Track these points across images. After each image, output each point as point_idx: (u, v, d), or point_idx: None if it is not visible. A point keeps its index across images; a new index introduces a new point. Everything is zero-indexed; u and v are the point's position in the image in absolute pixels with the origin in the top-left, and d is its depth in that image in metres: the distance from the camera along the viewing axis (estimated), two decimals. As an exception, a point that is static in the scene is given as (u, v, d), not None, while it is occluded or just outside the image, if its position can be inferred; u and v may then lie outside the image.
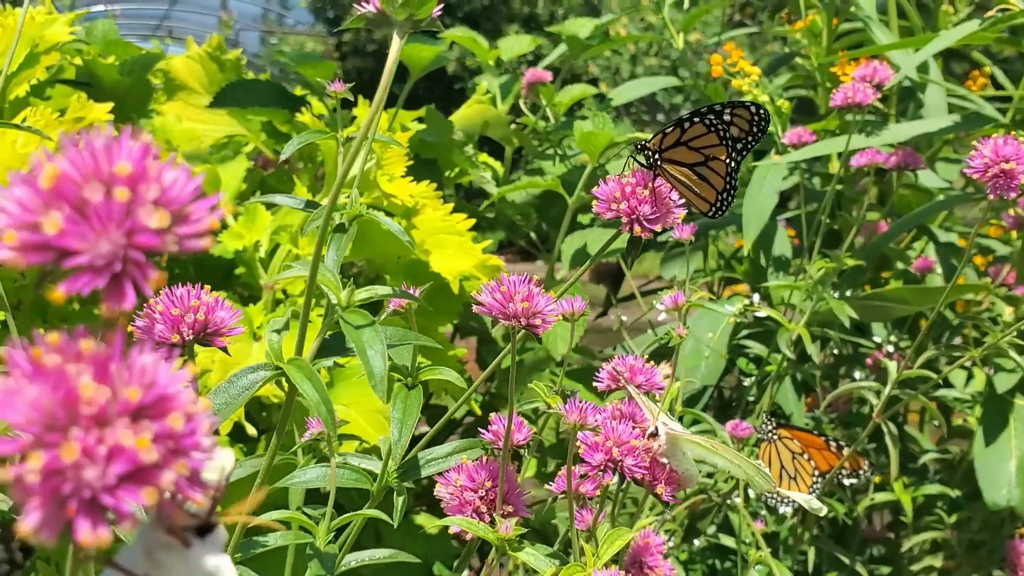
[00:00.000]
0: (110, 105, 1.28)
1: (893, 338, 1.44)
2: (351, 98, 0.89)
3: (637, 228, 0.73)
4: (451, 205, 1.36)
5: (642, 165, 0.75)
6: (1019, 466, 1.17)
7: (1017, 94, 1.48)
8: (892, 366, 1.02)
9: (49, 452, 0.26)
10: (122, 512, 0.26)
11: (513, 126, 1.85)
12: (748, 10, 5.37)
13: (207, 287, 0.56)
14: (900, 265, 1.47)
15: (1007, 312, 1.22)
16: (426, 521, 1.47)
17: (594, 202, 0.74)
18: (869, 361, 1.48)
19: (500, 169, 1.86)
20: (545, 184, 1.57)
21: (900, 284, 1.42)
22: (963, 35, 1.15)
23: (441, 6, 0.49)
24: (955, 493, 1.36)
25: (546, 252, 2.06)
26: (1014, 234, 1.43)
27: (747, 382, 1.50)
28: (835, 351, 1.57)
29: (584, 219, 1.91)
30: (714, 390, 1.56)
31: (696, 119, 0.73)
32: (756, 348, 1.39)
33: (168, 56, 1.68)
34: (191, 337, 0.55)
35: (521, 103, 1.91)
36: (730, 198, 0.75)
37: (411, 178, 1.32)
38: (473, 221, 1.35)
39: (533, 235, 2.06)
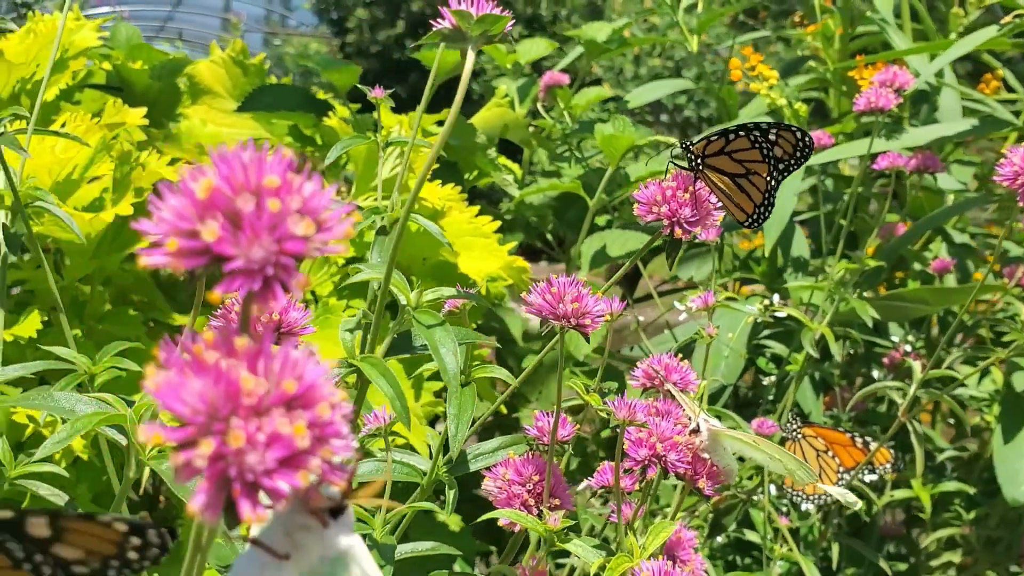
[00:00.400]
0: (144, 110, 1.31)
1: (911, 338, 1.46)
2: (392, 104, 0.92)
3: (678, 231, 0.76)
4: (477, 208, 1.39)
5: (683, 168, 0.78)
6: (1037, 463, 1.19)
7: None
8: (917, 366, 1.05)
9: (217, 439, 0.28)
10: (280, 493, 0.29)
11: (531, 129, 1.88)
12: (763, 14, 5.40)
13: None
14: (917, 266, 1.49)
15: (1025, 312, 1.24)
16: (451, 519, 1.50)
17: (635, 206, 0.77)
18: (886, 360, 1.51)
19: (518, 172, 1.89)
20: (566, 186, 1.60)
21: (918, 285, 1.45)
22: (982, 41, 1.18)
23: (512, 22, 0.51)
24: (972, 490, 1.38)
25: (563, 254, 2.09)
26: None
27: (766, 381, 1.52)
28: (851, 351, 1.59)
29: (600, 221, 1.93)
30: (731, 389, 1.58)
31: (742, 133, 0.76)
32: (776, 348, 1.41)
33: (194, 61, 1.71)
34: (264, 334, 0.57)
35: (539, 106, 1.93)
36: (767, 213, 0.77)
37: (439, 181, 1.35)
38: (499, 223, 1.37)
39: (549, 237, 2.08)
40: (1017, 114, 1.45)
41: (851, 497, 0.78)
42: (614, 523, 0.88)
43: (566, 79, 1.88)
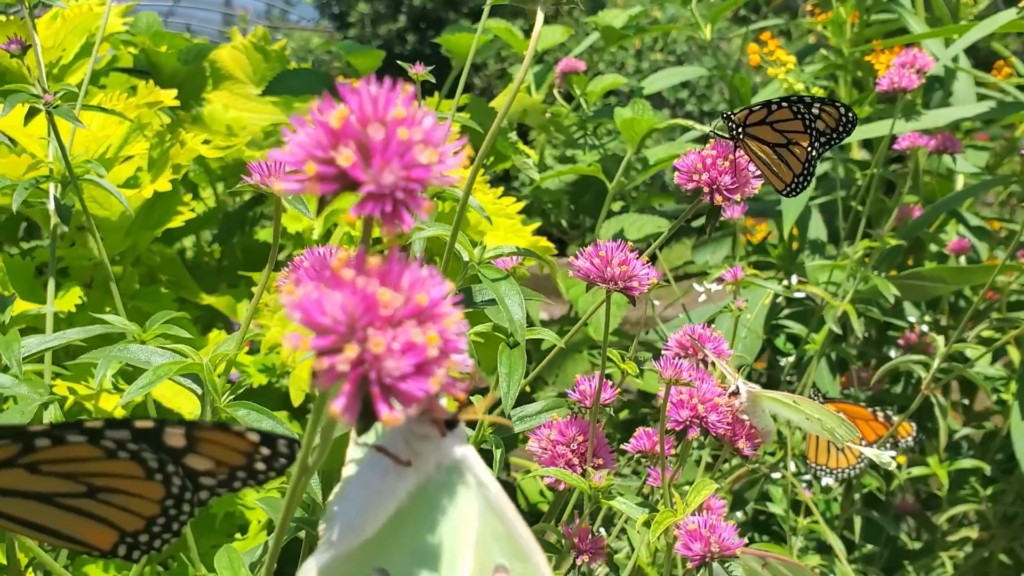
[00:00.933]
0: (175, 91, 1.33)
1: (928, 318, 1.48)
2: (432, 80, 0.94)
3: (718, 197, 0.78)
4: (500, 189, 1.41)
5: (723, 137, 0.80)
6: (1055, 438, 1.21)
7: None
8: (940, 340, 1.07)
9: (360, 346, 0.30)
10: (413, 397, 0.31)
11: (548, 115, 1.90)
12: (766, 8, 5.40)
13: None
14: (933, 247, 1.51)
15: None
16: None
17: (675, 174, 0.79)
18: (902, 341, 1.53)
19: (535, 157, 1.91)
20: (586, 169, 1.62)
21: (934, 265, 1.47)
22: (1002, 23, 1.20)
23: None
24: (988, 468, 1.40)
25: (578, 238, 2.11)
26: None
27: (783, 362, 1.55)
28: (866, 333, 1.62)
29: (615, 207, 1.96)
30: (746, 372, 1.60)
31: (784, 104, 0.78)
32: (795, 328, 1.43)
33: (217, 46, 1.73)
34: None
35: (555, 92, 1.95)
36: (806, 182, 0.79)
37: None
38: (522, 204, 1.39)
39: (564, 222, 2.11)
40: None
41: (886, 456, 0.80)
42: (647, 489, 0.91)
43: (583, 66, 1.90)
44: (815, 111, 0.78)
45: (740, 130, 0.80)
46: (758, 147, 0.80)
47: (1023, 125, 1.59)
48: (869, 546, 1.44)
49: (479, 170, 0.59)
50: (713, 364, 0.85)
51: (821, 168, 1.60)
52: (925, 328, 1.44)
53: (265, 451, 0.37)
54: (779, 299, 1.49)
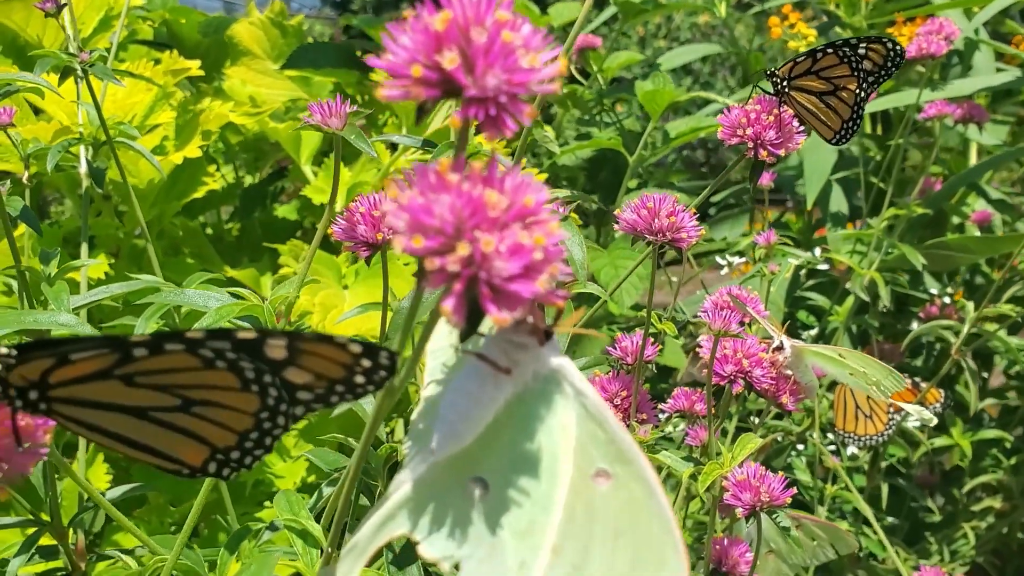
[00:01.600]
0: (199, 62, 1.32)
1: (950, 290, 1.48)
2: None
3: (763, 152, 0.78)
4: (524, 160, 1.41)
5: (767, 93, 0.80)
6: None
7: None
8: (970, 306, 1.07)
9: (472, 246, 0.30)
10: (520, 298, 0.31)
11: (566, 88, 1.89)
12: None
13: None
14: (955, 220, 1.51)
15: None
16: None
17: (719, 129, 0.79)
18: (922, 314, 1.53)
19: (552, 132, 1.90)
20: (607, 143, 1.62)
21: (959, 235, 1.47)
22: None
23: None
24: (1011, 438, 1.40)
25: (592, 217, 2.11)
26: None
27: (804, 335, 1.55)
28: (885, 307, 1.62)
29: (631, 184, 1.95)
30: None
31: (830, 50, 0.78)
32: (818, 300, 1.43)
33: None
34: (391, 237, 0.59)
35: (572, 68, 1.95)
36: (855, 127, 0.79)
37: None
38: (545, 176, 1.39)
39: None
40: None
41: (927, 414, 0.81)
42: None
43: (599, 41, 1.89)
44: (861, 51, 0.78)
45: (785, 83, 0.80)
46: (804, 98, 0.79)
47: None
48: (889, 519, 1.44)
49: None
50: (750, 325, 0.85)
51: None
52: (947, 300, 1.44)
53: (366, 363, 0.37)
54: (801, 272, 1.49)
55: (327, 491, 0.64)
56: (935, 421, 0.80)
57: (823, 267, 1.45)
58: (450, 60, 0.32)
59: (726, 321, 0.71)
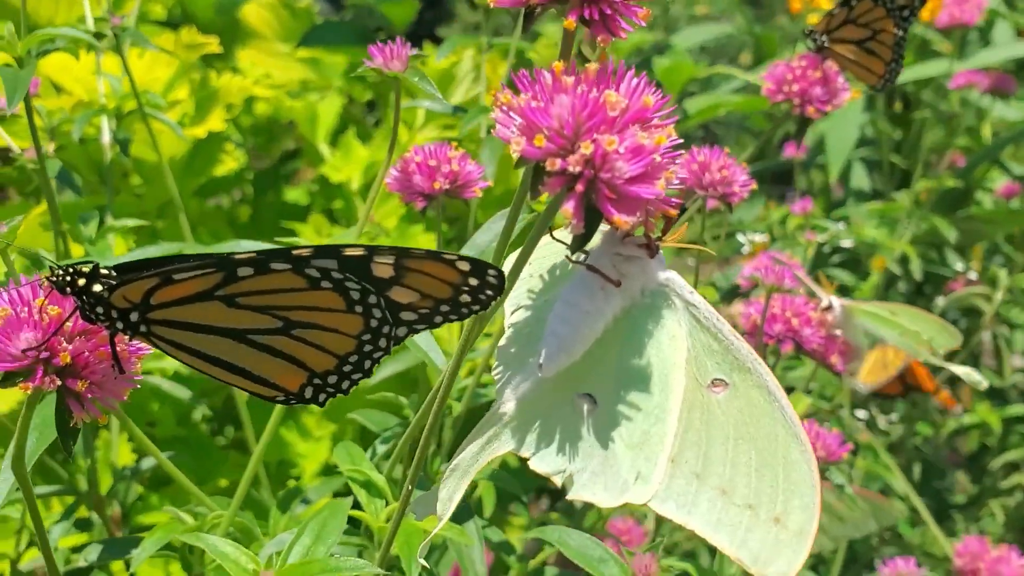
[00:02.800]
0: (217, 38, 1.31)
1: (974, 265, 1.47)
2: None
3: (810, 109, 0.77)
4: (543, 137, 1.40)
5: (809, 49, 0.79)
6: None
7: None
8: (1003, 273, 1.06)
9: (595, 144, 0.29)
10: (641, 200, 0.30)
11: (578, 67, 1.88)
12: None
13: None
14: (980, 196, 1.50)
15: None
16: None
17: (763, 87, 0.78)
18: (946, 290, 1.52)
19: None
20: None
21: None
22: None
23: None
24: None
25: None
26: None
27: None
28: (916, 279, 1.60)
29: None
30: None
31: None
32: (843, 277, 1.42)
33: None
34: (447, 187, 0.58)
35: (583, 49, 1.94)
36: (898, 68, 0.78)
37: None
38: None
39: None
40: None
41: (976, 376, 0.79)
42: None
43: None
44: None
45: (824, 38, 0.79)
46: (845, 48, 0.79)
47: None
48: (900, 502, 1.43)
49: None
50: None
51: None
52: (974, 275, 1.43)
53: (473, 282, 0.36)
54: (824, 247, 1.47)
55: (381, 448, 0.63)
56: (985, 384, 0.79)
57: (847, 244, 1.44)
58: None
59: (779, 276, 0.70)
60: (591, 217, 0.30)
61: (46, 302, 0.36)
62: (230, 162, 1.30)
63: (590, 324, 0.34)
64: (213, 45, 1.29)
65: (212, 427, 1.32)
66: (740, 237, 1.48)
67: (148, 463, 0.80)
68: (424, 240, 1.30)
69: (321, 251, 0.36)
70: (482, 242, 0.54)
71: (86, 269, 0.36)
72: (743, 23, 2.07)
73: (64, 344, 0.36)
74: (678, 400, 0.33)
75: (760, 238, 1.42)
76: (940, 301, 1.50)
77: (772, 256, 0.85)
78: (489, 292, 0.36)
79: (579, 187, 0.29)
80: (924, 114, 1.32)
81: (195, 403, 1.01)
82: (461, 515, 0.57)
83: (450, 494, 0.36)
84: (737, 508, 0.33)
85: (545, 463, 0.35)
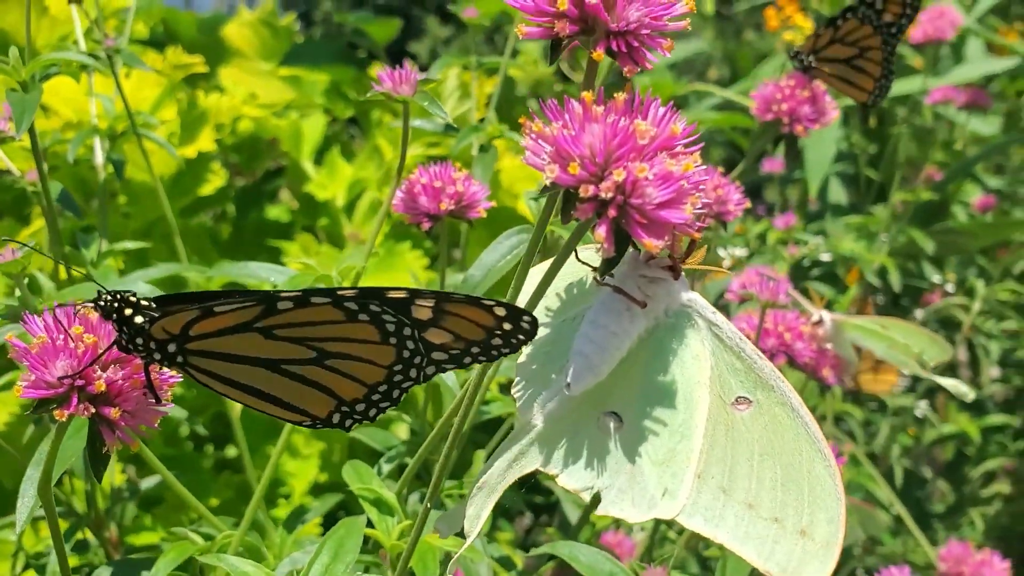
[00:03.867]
0: (202, 58, 1.32)
1: (952, 276, 1.50)
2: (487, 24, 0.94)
3: (799, 128, 0.78)
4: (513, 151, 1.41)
5: (796, 69, 0.81)
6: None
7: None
8: (980, 284, 1.08)
9: (627, 172, 0.30)
10: (670, 225, 0.31)
11: (559, 87, 1.90)
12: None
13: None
14: (956, 209, 1.53)
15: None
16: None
17: (752, 105, 0.80)
18: (924, 300, 1.54)
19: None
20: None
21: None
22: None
23: None
24: (1017, 422, 1.41)
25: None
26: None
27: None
28: (882, 299, 1.63)
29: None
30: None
31: (848, 15, 0.79)
32: (823, 290, 1.44)
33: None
34: (452, 207, 0.59)
35: (562, 65, 1.96)
36: (888, 84, 0.80)
37: (491, 128, 1.37)
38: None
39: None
40: None
41: (963, 388, 0.81)
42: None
43: (591, 40, 1.90)
44: (879, 6, 0.79)
45: (811, 58, 0.81)
46: (832, 68, 0.80)
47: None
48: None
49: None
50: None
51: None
52: (950, 287, 1.45)
53: (507, 326, 0.37)
54: (804, 261, 1.50)
55: (386, 467, 0.64)
56: (972, 396, 0.81)
57: (825, 257, 1.46)
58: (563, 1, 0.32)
59: (773, 292, 0.71)
60: (620, 241, 0.31)
61: (83, 331, 0.37)
62: (216, 181, 1.31)
63: (616, 344, 0.35)
64: (200, 65, 1.30)
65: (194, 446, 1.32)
66: (720, 251, 1.50)
67: (148, 483, 0.80)
68: (411, 257, 1.31)
69: (365, 293, 0.37)
70: (489, 261, 0.56)
71: (132, 299, 0.37)
72: (714, 40, 2.10)
73: (99, 372, 0.37)
74: (703, 417, 0.35)
75: (740, 252, 1.44)
76: (919, 313, 1.53)
77: (759, 271, 0.87)
78: (521, 337, 0.37)
79: (612, 212, 0.30)
80: (900, 129, 1.34)
81: (188, 422, 1.01)
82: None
83: (478, 511, 0.37)
84: (764, 521, 0.34)
85: (573, 479, 0.36)
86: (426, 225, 0.60)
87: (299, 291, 0.38)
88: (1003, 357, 1.11)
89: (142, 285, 0.59)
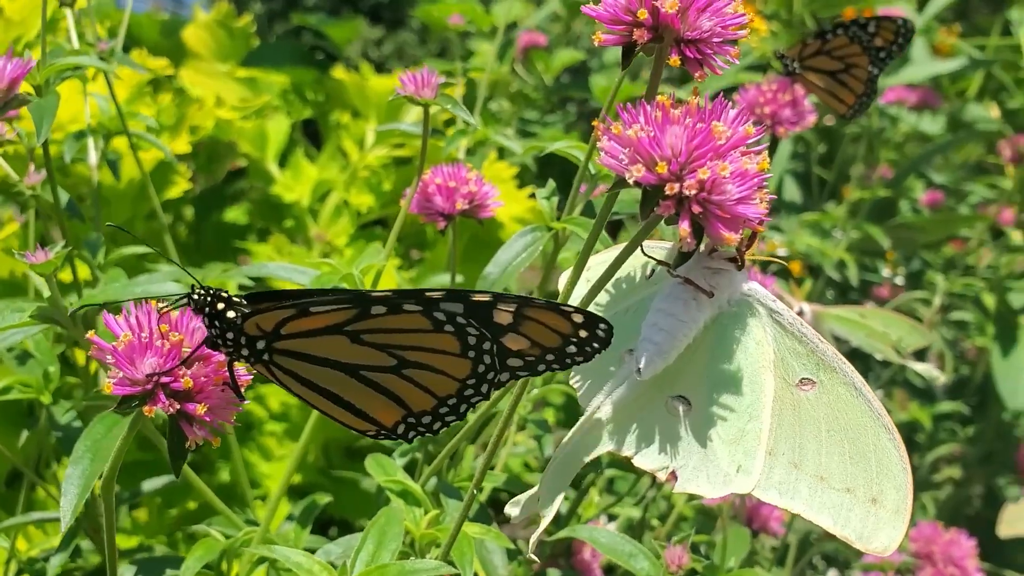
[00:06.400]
0: (166, 60, 1.31)
1: (901, 270, 1.55)
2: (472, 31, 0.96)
3: (780, 129, 0.81)
4: (494, 154, 1.43)
5: (780, 72, 0.84)
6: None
7: (992, 43, 1.61)
8: (940, 278, 1.12)
9: (710, 170, 0.33)
10: (747, 219, 0.33)
11: (516, 87, 1.92)
12: None
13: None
14: (903, 205, 1.58)
15: (1017, 236, 1.34)
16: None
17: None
18: (874, 293, 1.59)
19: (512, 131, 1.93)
20: (564, 149, 1.64)
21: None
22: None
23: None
24: (966, 409, 1.47)
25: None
26: (1010, 169, 1.55)
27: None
28: (832, 293, 1.68)
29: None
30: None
31: (839, 31, 0.82)
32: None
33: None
34: (466, 207, 0.61)
35: (516, 67, 1.98)
36: (868, 101, 0.83)
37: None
38: (516, 169, 1.41)
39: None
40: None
41: (935, 372, 0.85)
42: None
43: (544, 39, 1.92)
44: (871, 30, 0.82)
45: (796, 64, 0.84)
46: (816, 77, 0.83)
47: (973, 86, 1.67)
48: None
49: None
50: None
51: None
52: (900, 280, 1.51)
53: (583, 334, 0.38)
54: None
55: (400, 461, 0.65)
56: (943, 379, 0.84)
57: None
58: (670, 4, 0.34)
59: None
60: (698, 235, 0.33)
61: (168, 328, 0.38)
62: (182, 184, 1.30)
63: (684, 332, 0.38)
64: (167, 67, 1.30)
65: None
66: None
67: (149, 486, 0.81)
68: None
69: (451, 295, 0.38)
70: (505, 259, 0.58)
71: (224, 295, 0.38)
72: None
73: (183, 369, 0.38)
74: (769, 399, 0.38)
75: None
76: (870, 307, 1.58)
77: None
78: (596, 345, 0.38)
79: (695, 208, 0.32)
80: (852, 129, 1.39)
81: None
82: (480, 519, 0.60)
83: (553, 496, 0.39)
84: (836, 492, 0.37)
85: (648, 460, 0.38)
86: (441, 224, 0.62)
87: (391, 295, 0.38)
88: (949, 345, 1.16)
89: (171, 285, 0.60)
